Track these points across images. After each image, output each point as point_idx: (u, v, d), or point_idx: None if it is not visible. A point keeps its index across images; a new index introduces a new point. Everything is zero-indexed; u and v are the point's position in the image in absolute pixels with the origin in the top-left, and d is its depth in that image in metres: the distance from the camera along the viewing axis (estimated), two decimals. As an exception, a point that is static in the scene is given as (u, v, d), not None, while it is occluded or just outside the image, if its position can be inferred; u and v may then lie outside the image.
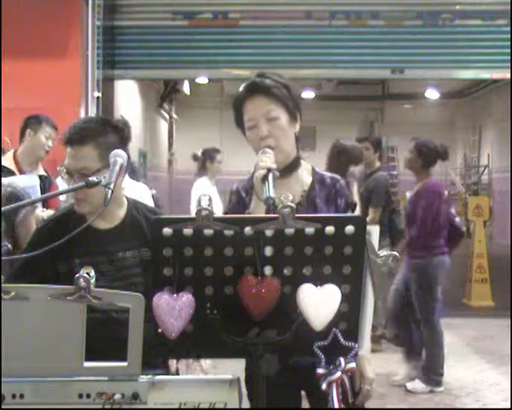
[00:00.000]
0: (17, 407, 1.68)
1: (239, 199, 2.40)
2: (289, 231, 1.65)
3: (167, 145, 17.28)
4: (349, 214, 2.28)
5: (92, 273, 1.63)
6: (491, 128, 16.81)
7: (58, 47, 6.91)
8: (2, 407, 1.67)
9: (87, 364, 1.69)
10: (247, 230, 1.64)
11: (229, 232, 1.64)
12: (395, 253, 1.73)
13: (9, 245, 3.02)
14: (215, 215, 1.60)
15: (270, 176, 2.05)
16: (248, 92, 2.32)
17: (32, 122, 4.81)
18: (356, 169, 5.10)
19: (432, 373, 5.37)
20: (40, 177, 4.63)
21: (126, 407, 1.69)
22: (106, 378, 1.70)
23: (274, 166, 2.11)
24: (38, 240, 2.48)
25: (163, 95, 15.38)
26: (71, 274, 1.82)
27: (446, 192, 5.84)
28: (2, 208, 1.99)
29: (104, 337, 2.14)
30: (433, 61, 7.59)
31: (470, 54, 7.50)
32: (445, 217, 5.39)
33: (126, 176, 2.52)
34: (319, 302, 1.67)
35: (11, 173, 4.46)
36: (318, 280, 1.68)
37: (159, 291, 1.66)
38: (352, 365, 1.85)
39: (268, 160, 2.13)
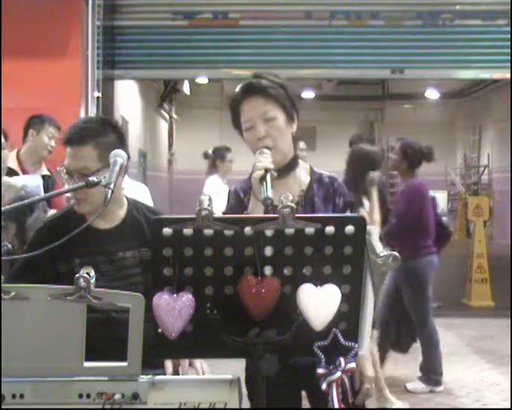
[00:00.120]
0: (17, 407, 1.68)
1: (237, 199, 2.40)
2: (289, 231, 1.65)
3: (167, 145, 17.28)
4: (349, 214, 2.28)
5: (92, 273, 1.63)
6: (491, 128, 16.82)
7: (58, 47, 6.91)
8: (2, 406, 1.67)
9: (87, 364, 1.69)
10: (247, 230, 1.64)
11: (229, 232, 1.64)
12: (395, 253, 1.73)
13: (9, 245, 3.02)
14: (215, 215, 1.60)
15: (268, 176, 2.06)
16: (245, 93, 2.32)
17: (35, 122, 4.81)
18: (376, 174, 4.97)
19: (431, 373, 5.37)
20: (43, 177, 4.64)
21: (126, 407, 1.69)
22: (106, 378, 1.70)
23: (271, 166, 2.12)
24: (38, 240, 2.48)
25: (163, 95, 15.39)
26: (71, 274, 1.82)
27: (432, 192, 5.81)
28: (3, 208, 1.99)
29: (104, 337, 2.14)
30: (433, 61, 7.59)
31: (470, 54, 7.50)
32: (431, 217, 5.38)
33: (126, 176, 2.52)
34: (319, 302, 1.67)
35: (14, 173, 4.46)
36: (318, 280, 1.68)
37: (159, 291, 1.66)
38: (352, 365, 1.85)
39: (265, 160, 2.14)
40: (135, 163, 11.91)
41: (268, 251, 1.67)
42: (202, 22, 7.49)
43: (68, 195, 3.25)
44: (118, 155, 2.12)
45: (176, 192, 16.72)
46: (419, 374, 5.45)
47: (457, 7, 7.48)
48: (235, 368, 1.99)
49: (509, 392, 5.05)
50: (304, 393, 2.44)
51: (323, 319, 1.68)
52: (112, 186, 1.96)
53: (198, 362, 2.31)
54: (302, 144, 6.81)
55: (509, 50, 7.15)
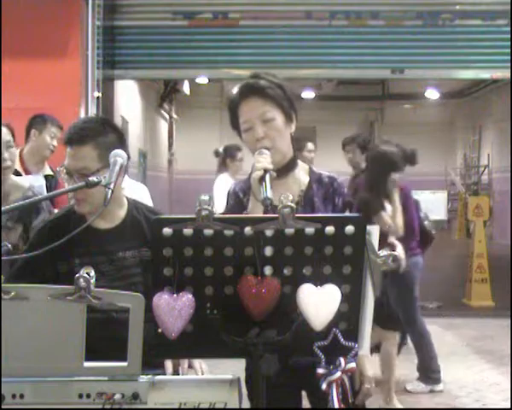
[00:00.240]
0: (17, 407, 1.68)
1: (237, 200, 2.40)
2: (289, 231, 1.65)
3: (167, 145, 17.28)
4: (349, 214, 2.28)
5: (92, 273, 1.63)
6: (491, 128, 16.81)
7: (58, 47, 6.91)
8: (3, 406, 1.67)
9: (87, 364, 1.69)
10: (247, 230, 1.64)
11: (229, 232, 1.64)
12: (395, 253, 1.73)
13: (9, 245, 3.02)
14: (215, 215, 1.60)
15: (267, 177, 2.06)
16: (243, 94, 2.31)
17: (37, 122, 4.81)
18: (397, 176, 4.84)
19: (429, 371, 5.37)
20: (47, 177, 4.64)
21: (126, 407, 1.69)
22: (106, 378, 1.70)
23: (271, 166, 2.12)
24: (39, 240, 2.48)
25: (163, 95, 15.39)
26: (71, 274, 1.82)
27: (415, 196, 5.76)
28: (3, 208, 1.99)
29: (104, 337, 2.14)
30: (433, 61, 7.59)
31: (470, 54, 7.50)
32: (415, 219, 5.34)
33: (126, 176, 2.52)
34: (319, 302, 1.67)
35: (17, 174, 4.46)
36: (318, 280, 1.68)
37: (159, 291, 1.66)
38: (352, 365, 1.85)
39: (264, 160, 2.14)
40: (135, 163, 11.90)
41: (268, 251, 1.67)
42: (202, 22, 7.50)
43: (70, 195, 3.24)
44: (118, 155, 2.12)
45: (176, 192, 16.73)
46: (417, 374, 5.44)
47: (457, 7, 7.48)
48: (235, 368, 1.99)
49: (508, 392, 5.05)
50: (304, 393, 2.44)
51: (323, 319, 1.68)
52: (112, 186, 1.97)
53: (197, 362, 2.31)
54: (310, 145, 6.74)
55: (509, 50, 7.15)
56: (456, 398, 5.30)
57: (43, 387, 1.69)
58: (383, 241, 5.53)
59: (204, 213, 1.58)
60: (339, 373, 1.84)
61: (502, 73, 7.74)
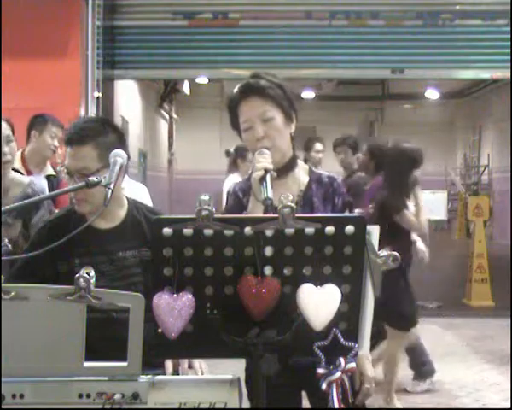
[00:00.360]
0: (17, 407, 1.68)
1: (236, 200, 2.40)
2: (289, 231, 1.65)
3: (167, 145, 17.28)
4: (349, 214, 2.28)
5: (92, 273, 1.63)
6: (491, 128, 16.81)
7: (58, 47, 6.91)
8: (3, 406, 1.67)
9: (87, 364, 1.69)
10: (247, 230, 1.64)
11: (229, 232, 1.64)
12: (395, 253, 1.73)
13: (9, 245, 3.01)
14: (215, 215, 1.60)
15: (268, 177, 2.06)
16: (243, 94, 2.32)
17: (38, 122, 4.80)
18: (418, 172, 4.79)
19: (421, 365, 5.36)
20: (49, 176, 4.63)
21: (126, 407, 1.69)
22: (106, 378, 1.70)
23: (271, 166, 2.12)
24: (39, 240, 2.48)
25: (163, 95, 15.38)
26: (71, 274, 1.82)
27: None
28: (3, 208, 1.99)
29: (104, 337, 2.15)
30: (433, 61, 7.59)
31: (470, 54, 7.50)
32: None
33: (126, 176, 2.52)
34: (319, 302, 1.67)
35: (19, 174, 4.45)
36: (318, 280, 1.68)
37: (159, 291, 1.66)
38: (352, 365, 1.85)
39: (265, 160, 2.14)
40: (135, 163, 11.90)
41: (268, 251, 1.67)
42: (202, 22, 7.50)
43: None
44: (118, 155, 2.12)
45: (176, 192, 16.72)
46: (412, 372, 5.44)
47: (457, 7, 7.48)
48: (235, 368, 1.99)
49: (508, 392, 5.05)
50: (304, 393, 2.44)
51: (323, 319, 1.68)
52: (112, 186, 1.97)
53: (197, 362, 2.31)
54: (319, 145, 6.71)
55: (509, 50, 7.15)
56: (455, 398, 5.30)
57: (43, 387, 1.69)
58: (406, 237, 5.41)
59: (204, 213, 1.58)
60: (339, 373, 1.84)
61: (502, 73, 7.74)
